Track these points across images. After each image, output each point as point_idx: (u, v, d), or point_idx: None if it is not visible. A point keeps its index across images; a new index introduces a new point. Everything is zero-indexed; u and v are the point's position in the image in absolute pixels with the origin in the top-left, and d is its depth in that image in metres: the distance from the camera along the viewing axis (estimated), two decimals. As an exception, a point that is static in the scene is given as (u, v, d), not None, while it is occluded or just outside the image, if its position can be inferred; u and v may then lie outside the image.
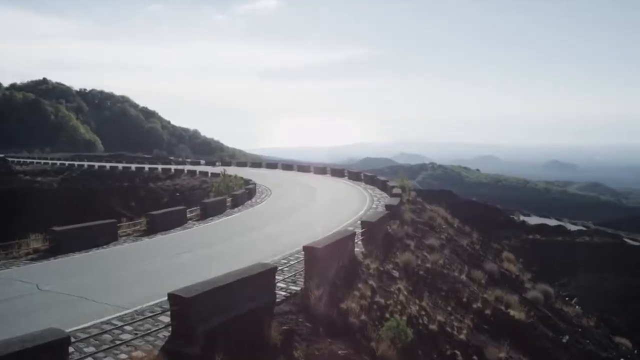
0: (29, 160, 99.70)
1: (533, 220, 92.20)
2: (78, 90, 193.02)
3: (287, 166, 66.36)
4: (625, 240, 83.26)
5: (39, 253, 19.19)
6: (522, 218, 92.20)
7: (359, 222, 24.21)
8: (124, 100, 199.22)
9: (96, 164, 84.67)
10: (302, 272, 15.47)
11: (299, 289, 14.48)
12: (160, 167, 71.95)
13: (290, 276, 15.73)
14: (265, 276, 12.88)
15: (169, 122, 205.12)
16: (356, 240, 18.93)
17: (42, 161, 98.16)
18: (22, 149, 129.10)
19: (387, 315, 14.83)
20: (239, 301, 11.92)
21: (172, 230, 24.56)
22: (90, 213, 45.91)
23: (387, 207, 25.48)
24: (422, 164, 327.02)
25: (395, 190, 32.27)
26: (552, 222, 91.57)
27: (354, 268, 16.83)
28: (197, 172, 59.75)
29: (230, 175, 39.79)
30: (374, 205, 30.76)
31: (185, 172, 62.22)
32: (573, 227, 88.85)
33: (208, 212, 28.97)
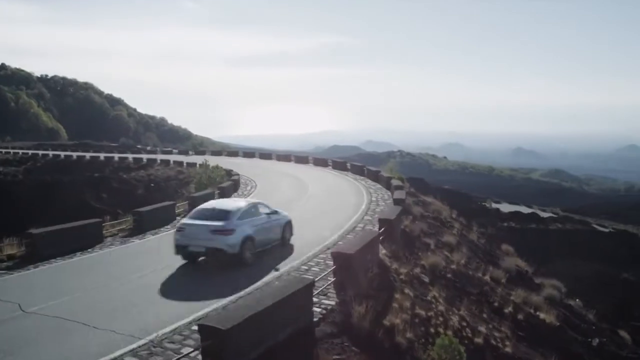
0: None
1: (505, 207, 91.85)
2: (39, 76, 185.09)
3: (265, 155, 63.81)
4: (595, 226, 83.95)
5: (14, 260, 16.55)
6: (494, 205, 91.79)
7: (364, 218, 22.34)
8: (88, 87, 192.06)
9: (62, 154, 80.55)
10: (327, 279, 13.38)
11: (333, 303, 12.34)
12: (131, 156, 68.47)
13: (319, 287, 13.54)
14: (303, 293, 10.67)
15: (135, 110, 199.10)
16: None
17: (3, 150, 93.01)
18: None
19: (432, 330, 12.90)
20: (276, 327, 9.75)
21: (162, 229, 22.08)
22: (59, 206, 43.01)
23: (397, 201, 23.39)
24: (390, 151, 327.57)
25: (394, 182, 30.18)
26: (524, 210, 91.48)
27: (384, 274, 14.80)
28: (171, 162, 56.74)
29: (211, 166, 37.16)
30: (373, 199, 28.64)
31: (158, 161, 59.08)
32: (544, 214, 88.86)
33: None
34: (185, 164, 52.71)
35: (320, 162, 52.63)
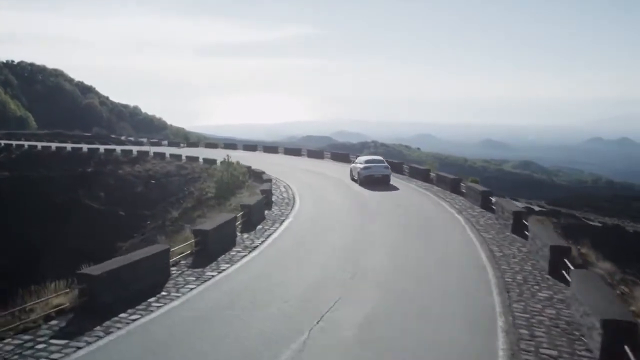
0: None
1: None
2: (5, 62, 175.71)
3: (271, 149, 59.50)
4: (586, 221, 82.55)
5: (66, 316, 11.51)
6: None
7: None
8: (58, 74, 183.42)
9: (38, 144, 74.57)
10: None
11: None
12: (118, 148, 63.30)
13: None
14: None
15: (107, 98, 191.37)
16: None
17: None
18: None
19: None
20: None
21: (233, 253, 17.38)
22: (48, 206, 38.30)
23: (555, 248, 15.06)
24: (364, 142, 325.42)
25: (510, 206, 21.48)
26: (517, 204, 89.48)
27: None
28: (167, 155, 52.08)
29: (232, 163, 32.82)
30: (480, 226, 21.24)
31: (151, 154, 54.30)
32: (536, 208, 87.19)
33: (253, 220, 22.18)
34: (184, 158, 48.29)
35: (340, 157, 49.29)
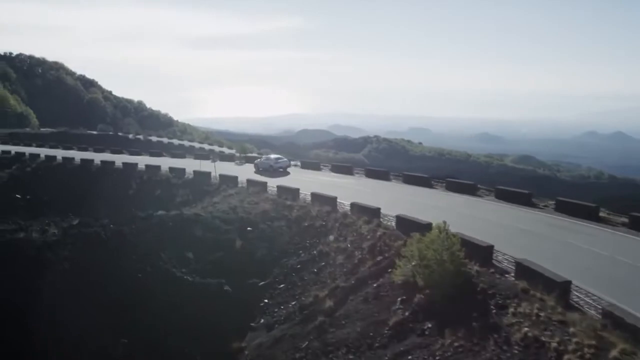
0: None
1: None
2: (2, 54, 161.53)
3: (345, 169, 45.73)
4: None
5: None
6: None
7: None
8: (58, 67, 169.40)
9: (57, 154, 62.19)
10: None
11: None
12: (161, 161, 50.89)
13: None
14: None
15: (110, 93, 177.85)
16: None
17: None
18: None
19: None
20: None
21: None
22: (129, 284, 25.30)
23: None
24: (367, 137, 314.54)
25: None
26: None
27: None
28: (242, 181, 39.76)
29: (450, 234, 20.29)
30: None
31: (216, 177, 42.17)
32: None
33: None
34: (272, 188, 36.41)
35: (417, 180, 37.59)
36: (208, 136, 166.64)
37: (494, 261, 20.57)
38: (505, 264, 20.24)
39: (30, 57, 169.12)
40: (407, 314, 19.18)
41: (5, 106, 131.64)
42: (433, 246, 19.30)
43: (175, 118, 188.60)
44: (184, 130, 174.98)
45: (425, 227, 24.35)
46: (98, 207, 46.63)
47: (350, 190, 35.43)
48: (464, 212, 28.16)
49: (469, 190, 34.15)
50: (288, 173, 45.67)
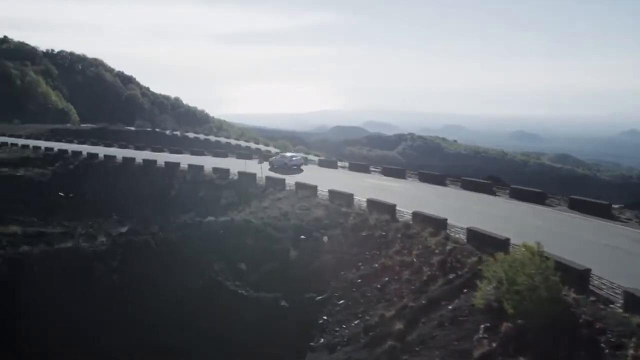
0: (-3, 139, 75.66)
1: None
2: (45, 51, 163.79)
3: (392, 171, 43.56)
4: None
5: None
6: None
7: None
8: (98, 63, 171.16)
9: (100, 152, 61.63)
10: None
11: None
12: (205, 164, 49.33)
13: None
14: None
15: (148, 89, 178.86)
16: None
17: (18, 142, 74.12)
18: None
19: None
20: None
21: None
22: (187, 299, 23.34)
23: None
24: (400, 134, 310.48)
25: None
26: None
27: None
28: (291, 183, 38.02)
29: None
30: None
31: (262, 179, 40.52)
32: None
33: None
34: (323, 192, 34.49)
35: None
36: (243, 133, 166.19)
37: (591, 287, 18.14)
38: (606, 291, 17.78)
39: (71, 54, 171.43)
40: (494, 345, 16.95)
41: (48, 102, 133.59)
42: (525, 270, 16.98)
43: (211, 114, 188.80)
44: (220, 127, 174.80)
45: (503, 244, 22.05)
46: (141, 207, 45.67)
47: (406, 196, 33.18)
48: (537, 225, 25.67)
49: (536, 198, 31.53)
50: (301, 170, 46.52)
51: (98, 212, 46.14)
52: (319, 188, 35.36)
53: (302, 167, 48.20)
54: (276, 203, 33.86)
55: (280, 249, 26.63)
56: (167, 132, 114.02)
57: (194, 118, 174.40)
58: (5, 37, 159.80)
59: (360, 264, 25.95)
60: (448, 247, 23.57)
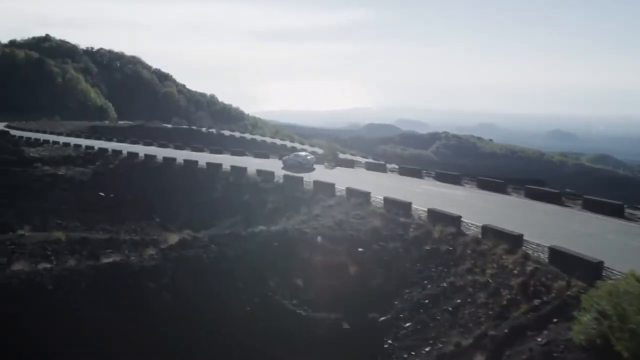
0: (40, 137, 75.70)
1: None
2: (85, 49, 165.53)
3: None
4: None
5: None
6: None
7: None
8: (136, 61, 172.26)
9: (139, 151, 60.62)
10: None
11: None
12: (250, 166, 47.38)
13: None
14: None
15: (184, 86, 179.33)
16: None
17: (59, 139, 74.00)
18: (25, 116, 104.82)
19: None
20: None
21: None
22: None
23: None
24: (435, 132, 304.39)
25: None
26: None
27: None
28: (341, 189, 35.99)
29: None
30: None
31: (279, 177, 38.35)
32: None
33: None
34: (377, 198, 32.29)
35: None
36: (278, 130, 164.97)
37: None
38: None
39: (110, 52, 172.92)
40: (604, 392, 14.54)
41: (87, 99, 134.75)
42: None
43: (246, 112, 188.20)
44: (255, 124, 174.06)
45: (594, 268, 19.52)
46: (182, 209, 44.28)
47: (468, 205, 30.71)
48: (627, 244, 22.94)
49: (614, 211, 28.67)
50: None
51: (140, 214, 44.98)
52: (372, 195, 33.12)
53: (355, 168, 47.40)
54: (328, 211, 31.65)
55: (338, 263, 24.51)
56: (203, 129, 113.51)
57: (229, 116, 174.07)
58: (47, 35, 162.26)
59: (425, 282, 23.65)
60: (529, 268, 21.09)
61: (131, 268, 20.79)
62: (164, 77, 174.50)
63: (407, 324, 21.91)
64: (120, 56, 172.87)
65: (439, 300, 22.20)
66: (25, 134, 78.12)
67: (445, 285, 22.90)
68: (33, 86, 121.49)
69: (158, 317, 19.53)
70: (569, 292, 19.02)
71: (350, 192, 34.53)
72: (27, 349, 17.83)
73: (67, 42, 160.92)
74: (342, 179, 39.54)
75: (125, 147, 64.57)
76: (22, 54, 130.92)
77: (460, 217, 26.79)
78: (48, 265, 20.46)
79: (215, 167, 48.68)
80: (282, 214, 34.96)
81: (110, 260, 21.24)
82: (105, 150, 62.68)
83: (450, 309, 21.47)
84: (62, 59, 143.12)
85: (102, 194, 51.56)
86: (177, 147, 66.35)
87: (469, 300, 21.37)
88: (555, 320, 18.24)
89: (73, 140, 72.59)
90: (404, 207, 30.03)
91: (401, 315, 22.34)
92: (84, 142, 71.50)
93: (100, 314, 18.69)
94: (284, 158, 51.47)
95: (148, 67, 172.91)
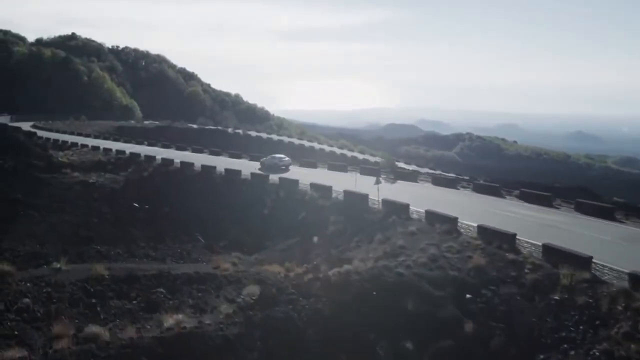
0: (67, 139, 71.69)
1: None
2: (110, 47, 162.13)
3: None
4: None
5: None
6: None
7: None
8: (161, 59, 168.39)
9: (175, 157, 55.81)
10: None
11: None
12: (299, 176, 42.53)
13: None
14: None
15: (209, 86, 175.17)
16: None
17: (87, 142, 69.83)
18: (51, 116, 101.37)
19: None
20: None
21: None
22: None
23: None
24: (458, 133, 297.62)
25: None
26: None
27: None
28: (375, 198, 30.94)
29: None
30: None
31: (378, 200, 33.14)
32: None
33: None
34: (459, 224, 27.16)
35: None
36: (304, 131, 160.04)
37: None
38: None
39: (135, 51, 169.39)
40: None
41: (113, 99, 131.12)
42: None
43: (271, 112, 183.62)
44: (280, 125, 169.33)
45: None
46: (228, 226, 39.43)
47: (583, 239, 25.25)
48: None
49: None
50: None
51: (179, 230, 40.30)
52: (459, 220, 27.82)
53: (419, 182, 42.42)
54: (413, 240, 26.32)
55: (449, 318, 19.33)
56: (230, 130, 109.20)
57: (254, 115, 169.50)
58: (73, 34, 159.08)
59: (565, 345, 18.35)
60: None
61: (210, 338, 15.67)
62: (189, 76, 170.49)
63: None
64: (145, 55, 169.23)
65: (593, 376, 16.92)
66: (53, 135, 74.12)
67: (596, 353, 17.57)
68: (59, 85, 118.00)
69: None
70: None
71: (432, 216, 29.20)
72: None
73: (93, 41, 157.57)
74: (412, 196, 34.24)
75: (159, 152, 59.98)
76: (48, 52, 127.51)
77: (591, 257, 21.43)
78: (104, 335, 15.36)
79: (261, 179, 43.71)
80: (351, 239, 29.85)
81: (180, 327, 16.12)
82: (138, 155, 58.18)
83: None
84: (87, 58, 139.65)
85: (136, 204, 47.00)
86: (213, 153, 61.61)
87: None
88: None
89: (102, 143, 68.29)
90: (507, 240, 24.61)
91: (544, 394, 17.09)
92: (113, 145, 67.19)
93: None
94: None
95: (173, 66, 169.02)
